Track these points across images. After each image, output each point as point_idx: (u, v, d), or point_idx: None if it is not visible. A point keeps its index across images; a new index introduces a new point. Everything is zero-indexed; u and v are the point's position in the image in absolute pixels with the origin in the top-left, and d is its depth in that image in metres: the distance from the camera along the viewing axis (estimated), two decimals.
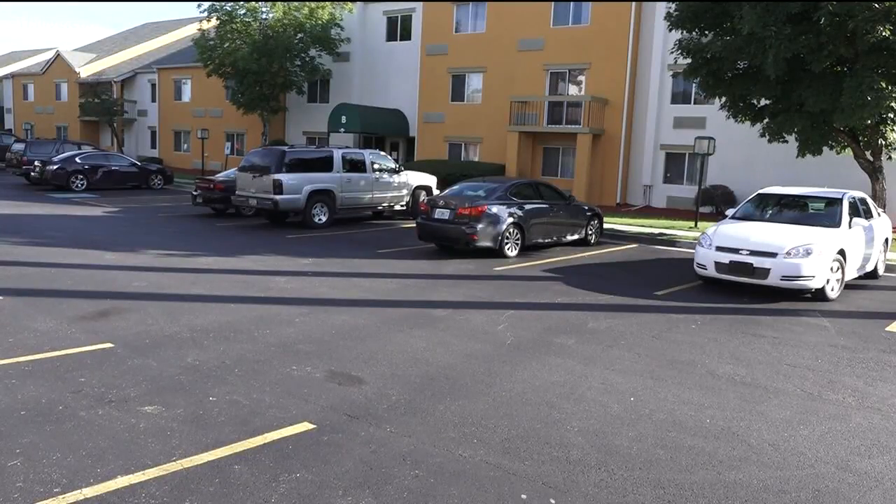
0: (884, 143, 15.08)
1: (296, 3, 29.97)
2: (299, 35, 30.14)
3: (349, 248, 13.17)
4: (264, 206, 15.76)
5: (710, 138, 18.08)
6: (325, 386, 5.52)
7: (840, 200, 10.64)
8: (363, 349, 6.55)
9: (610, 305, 9.00)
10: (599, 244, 14.86)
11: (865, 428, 5.02)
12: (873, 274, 11.63)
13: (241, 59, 29.12)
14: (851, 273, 10.42)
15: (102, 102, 39.47)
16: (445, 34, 28.14)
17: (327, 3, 30.12)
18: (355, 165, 16.99)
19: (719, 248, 9.98)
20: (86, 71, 44.06)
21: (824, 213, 10.65)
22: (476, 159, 27.44)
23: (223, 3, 30.26)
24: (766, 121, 15.87)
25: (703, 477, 4.14)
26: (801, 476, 4.20)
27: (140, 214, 17.70)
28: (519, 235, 12.77)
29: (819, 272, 9.37)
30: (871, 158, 15.54)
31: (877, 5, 12.38)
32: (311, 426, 4.69)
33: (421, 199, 17.52)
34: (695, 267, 10.38)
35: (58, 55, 45.97)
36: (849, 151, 16.28)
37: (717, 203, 21.33)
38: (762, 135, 16.03)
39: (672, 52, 16.83)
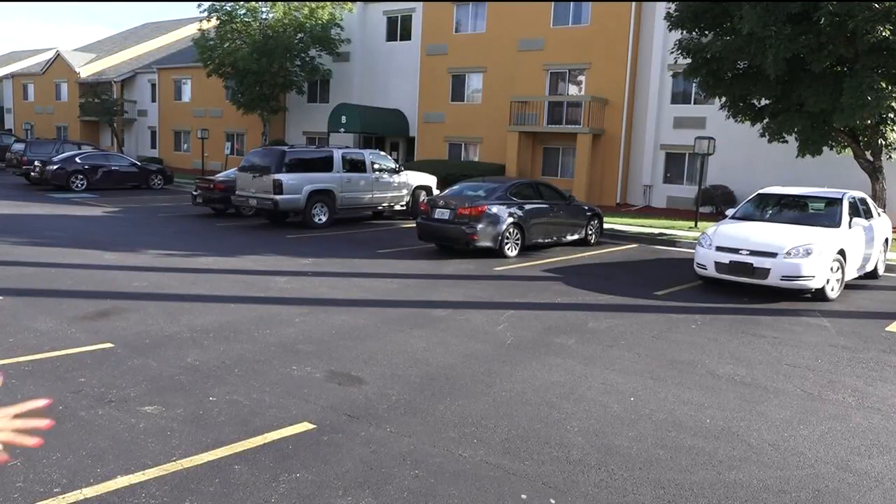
0: (884, 143, 15.08)
1: (296, 3, 29.97)
2: (299, 35, 30.14)
3: (349, 248, 13.17)
4: (264, 206, 15.76)
5: (710, 138, 18.07)
6: (325, 386, 5.52)
7: (840, 200, 10.64)
8: (363, 349, 6.55)
9: (610, 305, 9.00)
10: (599, 244, 14.86)
11: (865, 428, 5.02)
12: (873, 274, 11.63)
13: (241, 59, 29.12)
14: (851, 273, 10.42)
15: (102, 102, 39.46)
16: (445, 34, 28.14)
17: (327, 3, 30.12)
18: (355, 165, 16.99)
19: (719, 248, 9.98)
20: (86, 71, 44.06)
21: (824, 213, 10.65)
22: (476, 159, 27.44)
23: (223, 3, 30.26)
24: (766, 121, 15.88)
25: (703, 477, 4.14)
26: (801, 476, 4.20)
27: (140, 214, 17.70)
28: (519, 235, 12.77)
29: (819, 272, 9.37)
30: (871, 158, 15.54)
31: (877, 5, 12.38)
32: (311, 426, 4.69)
33: (421, 199, 17.52)
34: (695, 267, 10.38)
35: (58, 55, 45.97)
36: (849, 151, 16.28)
37: (717, 203, 21.33)
38: (762, 135, 16.03)
39: (672, 52, 16.82)
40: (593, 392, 5.58)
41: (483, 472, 4.10)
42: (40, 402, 1.47)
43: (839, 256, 9.75)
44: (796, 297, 9.70)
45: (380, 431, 4.65)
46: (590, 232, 14.62)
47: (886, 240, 12.11)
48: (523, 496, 3.84)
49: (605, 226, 15.80)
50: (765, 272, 9.50)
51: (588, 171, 23.93)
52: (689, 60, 15.72)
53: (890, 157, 15.96)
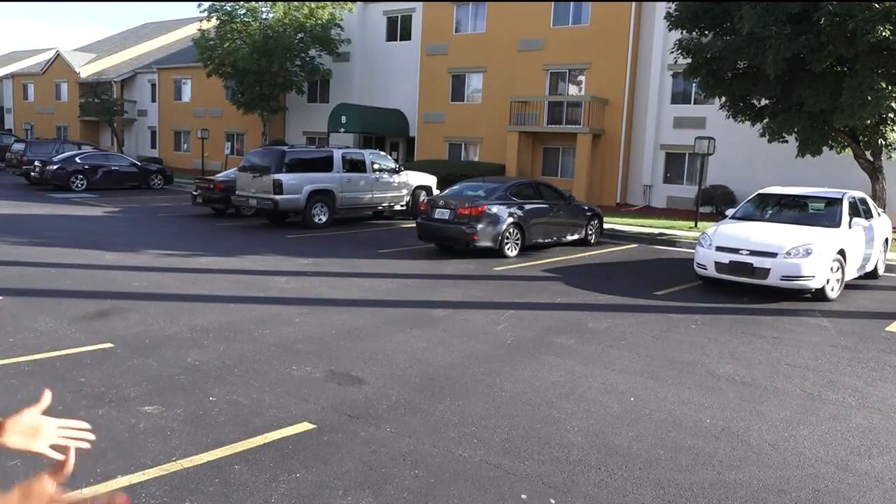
0: (884, 143, 15.08)
1: (296, 3, 29.97)
2: (299, 35, 30.14)
3: (349, 248, 13.17)
4: (264, 206, 15.76)
5: (710, 138, 18.07)
6: (325, 386, 5.52)
7: (840, 200, 10.64)
8: (363, 349, 6.55)
9: (610, 305, 9.00)
10: (599, 244, 14.86)
11: (865, 428, 5.02)
12: (873, 274, 11.63)
13: (241, 59, 29.12)
14: (851, 273, 10.42)
15: (102, 102, 39.46)
16: (445, 34, 28.14)
17: (327, 3, 30.12)
18: (355, 165, 16.99)
19: (719, 248, 9.98)
20: (86, 71, 44.06)
21: (824, 213, 10.65)
22: (476, 159, 27.44)
23: (223, 3, 30.27)
24: (766, 121, 15.88)
25: (703, 477, 4.14)
26: (801, 476, 4.20)
27: (140, 214, 17.70)
28: (519, 235, 12.76)
29: (819, 272, 9.37)
30: (871, 158, 15.54)
31: (877, 5, 12.38)
32: (311, 426, 4.69)
33: (421, 199, 17.52)
34: (695, 267, 10.38)
35: (58, 55, 45.97)
36: (849, 151, 16.28)
37: (717, 203, 21.33)
38: (762, 135, 16.03)
39: (672, 52, 16.83)
40: (593, 392, 5.58)
41: (483, 472, 4.10)
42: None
43: (839, 256, 9.75)
44: (796, 297, 9.70)
45: (380, 431, 4.65)
46: (590, 232, 14.62)
47: (886, 240, 12.11)
48: (523, 496, 3.84)
49: (605, 226, 15.80)
50: (765, 272, 9.50)
51: (588, 171, 23.93)
52: (689, 60, 15.72)
53: (890, 157, 15.96)
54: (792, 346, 7.20)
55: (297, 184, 15.63)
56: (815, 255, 9.35)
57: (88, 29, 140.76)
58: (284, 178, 15.42)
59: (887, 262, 12.42)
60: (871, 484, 4.12)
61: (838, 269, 9.78)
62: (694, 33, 15.76)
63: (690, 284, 10.54)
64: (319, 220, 16.14)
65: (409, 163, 25.76)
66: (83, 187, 23.44)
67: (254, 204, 16.03)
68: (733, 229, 10.37)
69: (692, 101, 23.42)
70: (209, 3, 30.30)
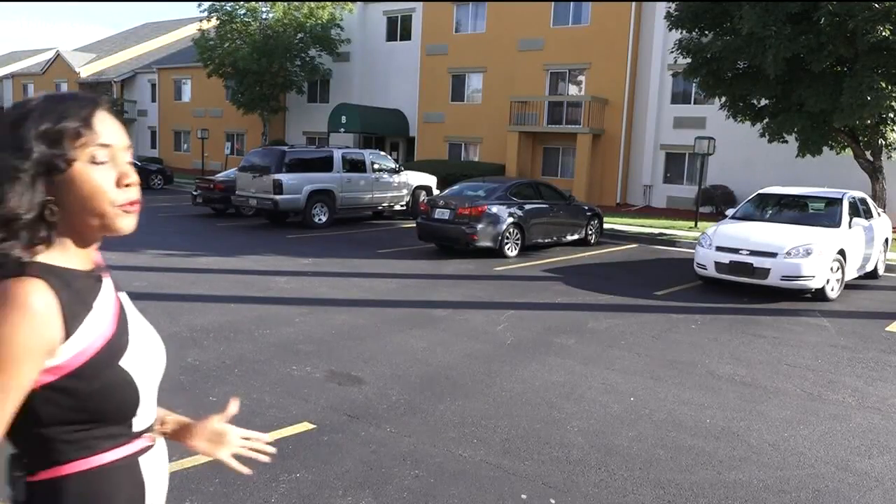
0: (884, 143, 15.08)
1: (296, 3, 29.97)
2: (299, 35, 30.15)
3: (349, 248, 13.17)
4: (264, 206, 15.76)
5: (710, 138, 18.08)
6: (325, 386, 5.52)
7: (840, 200, 10.64)
8: (363, 349, 6.55)
9: (610, 305, 9.00)
10: (599, 244, 14.86)
11: (865, 428, 5.02)
12: (873, 274, 11.63)
13: (241, 59, 29.13)
14: (851, 273, 10.42)
15: None
16: (445, 34, 28.15)
17: (327, 3, 30.13)
18: (355, 165, 17.00)
19: (719, 248, 9.98)
20: (86, 71, 44.07)
21: (824, 213, 10.65)
22: (476, 159, 27.45)
23: (223, 3, 30.28)
24: (766, 121, 15.88)
25: (703, 477, 4.14)
26: (801, 476, 4.20)
27: (140, 214, 17.64)
28: (519, 235, 12.77)
29: (819, 272, 9.37)
30: (871, 158, 15.55)
31: (877, 5, 12.39)
32: (311, 426, 4.69)
33: (421, 199, 17.53)
34: (695, 267, 10.38)
35: (58, 55, 45.99)
36: (849, 151, 16.29)
37: (717, 203, 21.34)
38: (762, 135, 16.04)
39: (672, 52, 16.84)
40: (593, 392, 5.58)
41: (483, 472, 4.10)
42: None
43: (839, 256, 9.75)
44: (796, 297, 9.70)
45: (380, 431, 4.65)
46: (590, 232, 14.62)
47: (886, 240, 12.12)
48: (523, 496, 3.84)
49: (605, 226, 15.80)
50: (765, 272, 9.50)
51: (588, 171, 23.94)
52: (689, 60, 15.73)
53: (890, 157, 15.97)
54: (792, 346, 7.20)
55: (297, 184, 15.63)
56: (815, 255, 9.35)
57: (88, 29, 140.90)
58: (284, 178, 15.42)
59: (887, 262, 12.42)
60: (871, 484, 4.12)
61: (838, 269, 9.78)
62: (694, 33, 15.77)
63: (690, 284, 10.54)
64: (319, 220, 16.15)
65: (409, 163, 25.78)
66: None
67: (254, 204, 16.03)
68: (733, 229, 10.37)
69: (692, 101, 23.43)
70: (209, 3, 30.31)
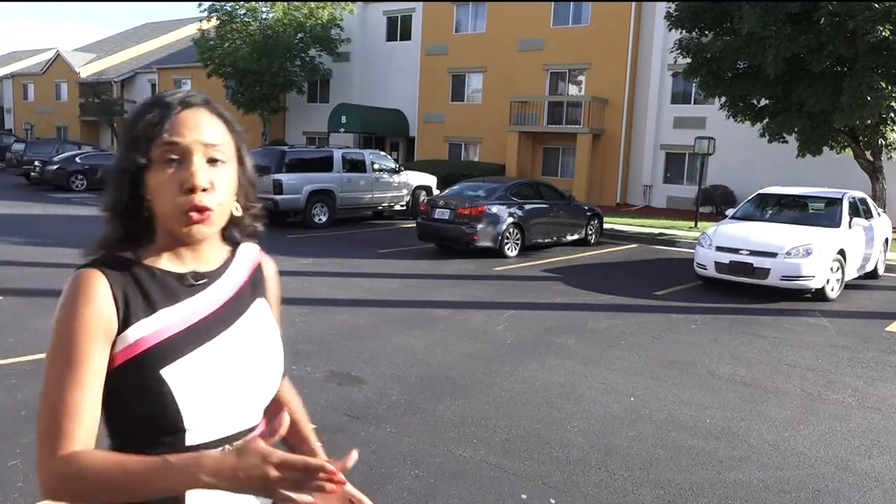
0: (884, 143, 15.09)
1: (296, 3, 29.98)
2: (299, 35, 30.15)
3: (349, 248, 13.17)
4: (264, 205, 15.74)
5: (710, 138, 18.08)
6: (325, 386, 5.52)
7: (840, 200, 10.64)
8: (363, 349, 6.55)
9: (610, 305, 9.00)
10: (599, 244, 14.86)
11: (865, 428, 5.02)
12: (873, 274, 11.63)
13: (241, 59, 29.13)
14: (851, 273, 10.42)
15: (102, 102, 39.48)
16: (445, 34, 28.15)
17: (327, 3, 30.13)
18: (355, 165, 17.00)
19: (719, 248, 9.98)
20: (86, 71, 44.08)
21: (824, 213, 10.65)
22: (476, 159, 27.46)
23: (223, 3, 30.27)
24: (766, 121, 15.89)
25: (703, 477, 4.14)
26: (801, 476, 4.20)
27: None
28: (519, 235, 12.77)
29: (819, 272, 9.37)
30: (871, 158, 15.55)
31: (877, 5, 12.39)
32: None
33: (421, 199, 17.53)
34: (695, 267, 10.39)
35: (58, 55, 45.99)
36: (849, 151, 16.29)
37: (717, 203, 21.34)
38: (762, 135, 16.04)
39: (672, 52, 16.84)
40: (593, 392, 5.58)
41: (483, 472, 4.10)
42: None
43: (839, 256, 9.75)
44: (796, 297, 9.70)
45: (380, 431, 4.65)
46: (590, 232, 14.62)
47: (886, 240, 12.12)
48: (523, 496, 3.84)
49: (605, 226, 15.80)
50: (765, 272, 9.50)
51: (588, 171, 23.94)
52: (689, 60, 15.73)
53: (890, 157, 15.97)
54: (792, 346, 7.20)
55: (297, 184, 15.63)
56: (815, 255, 9.35)
57: (88, 29, 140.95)
58: (284, 178, 15.42)
59: (887, 262, 12.42)
60: (871, 484, 4.12)
61: (838, 269, 9.78)
62: (694, 33, 15.78)
63: (690, 284, 10.54)
64: (319, 219, 16.15)
65: (409, 163, 25.78)
66: (83, 187, 23.43)
67: None
68: (733, 229, 10.37)
69: (692, 101, 23.44)
70: (209, 3, 30.31)
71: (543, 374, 5.99)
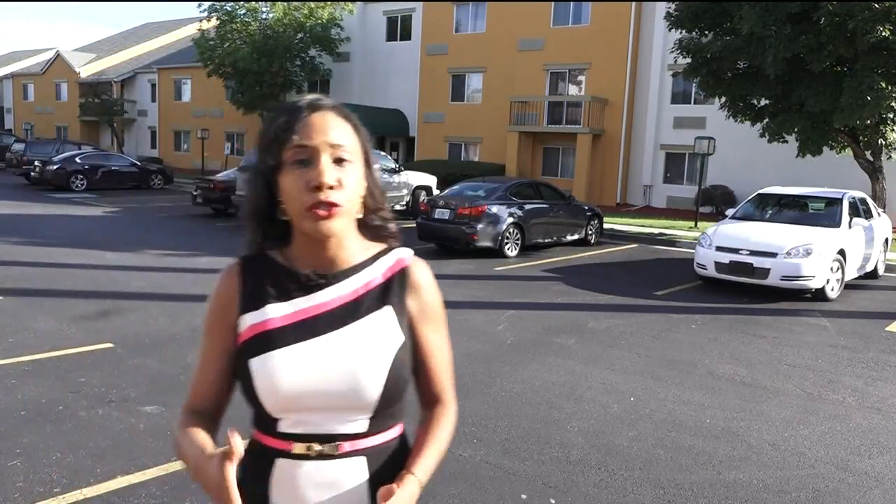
0: (884, 143, 15.09)
1: (296, 3, 29.97)
2: (299, 35, 30.14)
3: None
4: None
5: (710, 138, 18.08)
6: None
7: (840, 200, 10.64)
8: None
9: (610, 305, 9.00)
10: (599, 244, 14.86)
11: (865, 428, 5.02)
12: (873, 274, 11.63)
13: (241, 59, 29.12)
14: (851, 273, 10.42)
15: (102, 102, 39.48)
16: (445, 34, 28.15)
17: (327, 3, 30.13)
18: None
19: (719, 248, 9.98)
20: (86, 71, 44.08)
21: (824, 213, 10.65)
22: (476, 159, 27.45)
23: (223, 3, 30.27)
24: (766, 121, 15.88)
25: (703, 477, 4.14)
26: (801, 476, 4.20)
27: (140, 214, 17.69)
28: (519, 235, 12.77)
29: (819, 272, 9.37)
30: (871, 158, 15.55)
31: (877, 5, 12.40)
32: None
33: (421, 199, 17.52)
34: (695, 267, 10.39)
35: (58, 55, 46.00)
36: (849, 151, 16.29)
37: (717, 203, 21.34)
38: (762, 135, 16.04)
39: (672, 52, 16.84)
40: (593, 392, 5.58)
41: (483, 472, 4.10)
42: None
43: (839, 256, 9.75)
44: (796, 297, 9.70)
45: None
46: (590, 232, 14.62)
47: (886, 240, 12.12)
48: (523, 496, 3.84)
49: (605, 226, 15.80)
50: (765, 272, 9.50)
51: (588, 171, 23.94)
52: (689, 60, 15.73)
53: (890, 157, 15.97)
54: (792, 346, 7.20)
55: None
56: (815, 255, 9.35)
57: (88, 29, 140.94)
58: None
59: (887, 262, 12.42)
60: (871, 484, 4.13)
61: (838, 269, 9.78)
62: (694, 33, 15.78)
63: (690, 284, 10.54)
64: None
65: (409, 163, 25.76)
66: (83, 187, 23.43)
67: None
68: (733, 229, 10.37)
69: (692, 101, 23.43)
70: (209, 3, 30.31)
71: (543, 374, 5.99)
